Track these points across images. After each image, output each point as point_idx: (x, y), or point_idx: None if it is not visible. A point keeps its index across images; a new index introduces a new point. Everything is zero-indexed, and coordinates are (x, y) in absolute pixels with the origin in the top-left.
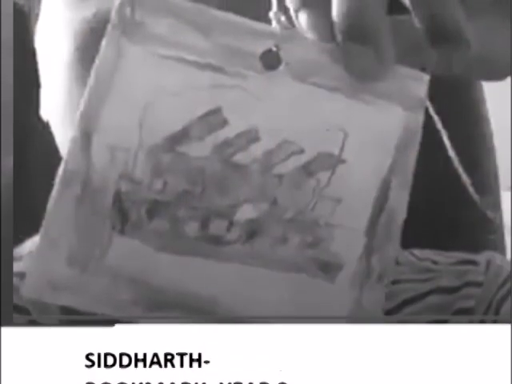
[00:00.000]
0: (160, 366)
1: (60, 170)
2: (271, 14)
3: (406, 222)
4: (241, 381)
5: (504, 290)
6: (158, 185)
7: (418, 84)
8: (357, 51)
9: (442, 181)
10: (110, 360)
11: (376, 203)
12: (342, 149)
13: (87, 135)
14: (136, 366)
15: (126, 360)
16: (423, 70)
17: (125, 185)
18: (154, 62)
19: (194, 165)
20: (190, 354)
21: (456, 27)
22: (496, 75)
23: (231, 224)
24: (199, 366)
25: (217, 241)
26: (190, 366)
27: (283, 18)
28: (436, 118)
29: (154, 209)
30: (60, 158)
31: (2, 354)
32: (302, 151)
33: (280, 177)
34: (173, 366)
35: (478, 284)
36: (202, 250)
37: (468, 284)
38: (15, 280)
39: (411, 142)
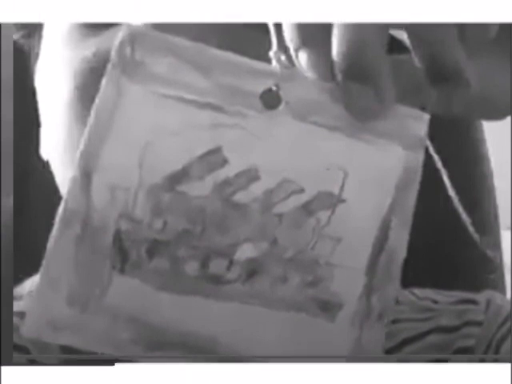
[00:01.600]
0: None
1: (60, 210)
2: (271, 54)
3: (406, 261)
4: None
5: (504, 329)
6: (158, 224)
7: (418, 123)
8: (357, 91)
9: (442, 220)
10: None
11: (376, 242)
12: (342, 188)
13: (87, 174)
14: None
15: None
16: (423, 109)
17: (125, 224)
18: (153, 102)
19: (194, 204)
20: None
21: (456, 67)
22: (496, 115)
23: (231, 263)
24: None
25: (217, 280)
26: None
27: (283, 58)
28: (436, 157)
29: (154, 248)
30: (60, 197)
31: None
32: (302, 190)
33: (280, 216)
34: None
35: (478, 323)
36: (202, 289)
37: (468, 323)
38: (15, 319)
39: (411, 181)
